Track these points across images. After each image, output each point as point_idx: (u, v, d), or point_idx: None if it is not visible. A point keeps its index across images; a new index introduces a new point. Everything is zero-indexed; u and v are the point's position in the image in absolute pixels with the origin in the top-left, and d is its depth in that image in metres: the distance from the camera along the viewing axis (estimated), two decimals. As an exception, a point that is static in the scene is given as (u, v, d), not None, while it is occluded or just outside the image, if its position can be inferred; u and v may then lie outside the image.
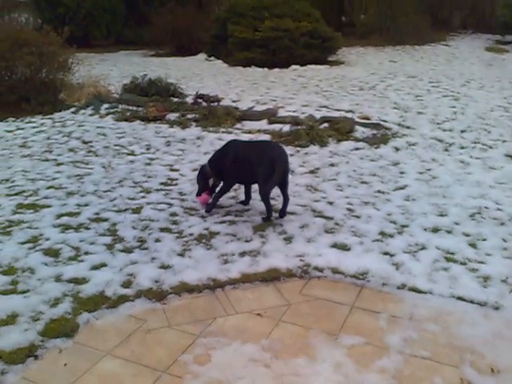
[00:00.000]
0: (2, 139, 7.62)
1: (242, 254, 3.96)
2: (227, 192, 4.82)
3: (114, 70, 14.46)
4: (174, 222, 4.55)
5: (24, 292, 3.48)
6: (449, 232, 4.33)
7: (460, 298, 3.39)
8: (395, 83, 11.43)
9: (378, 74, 12.73)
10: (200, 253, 4.00)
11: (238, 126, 7.76)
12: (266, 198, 4.52)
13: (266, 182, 4.44)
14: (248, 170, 4.55)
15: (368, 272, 3.69)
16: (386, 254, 3.95)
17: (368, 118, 7.91)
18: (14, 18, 18.60)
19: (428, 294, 3.45)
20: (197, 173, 4.90)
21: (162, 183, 5.56)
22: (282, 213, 4.60)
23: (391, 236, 4.24)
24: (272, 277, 3.68)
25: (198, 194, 4.87)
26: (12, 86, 9.35)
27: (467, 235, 4.26)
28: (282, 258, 3.90)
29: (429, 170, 5.91)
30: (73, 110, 9.24)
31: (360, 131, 7.17)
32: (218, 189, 4.82)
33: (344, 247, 4.05)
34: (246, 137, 7.10)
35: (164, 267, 3.79)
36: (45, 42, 9.47)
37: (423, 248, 4.04)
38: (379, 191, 5.25)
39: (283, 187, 4.60)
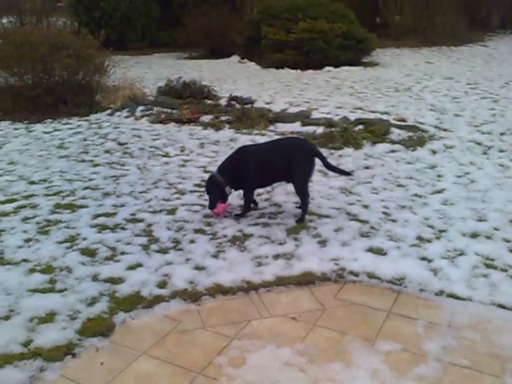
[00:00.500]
0: (39, 140, 7.80)
1: (276, 257, 3.94)
2: (253, 197, 4.81)
3: (149, 72, 14.65)
4: (208, 224, 4.57)
5: (62, 291, 3.54)
6: (488, 238, 4.21)
7: (500, 306, 3.29)
8: (431, 85, 11.23)
9: (413, 76, 12.53)
10: (234, 255, 3.99)
11: (271, 128, 7.75)
12: (307, 194, 4.57)
13: (306, 177, 4.56)
14: (277, 172, 4.60)
15: (405, 277, 3.62)
16: (423, 259, 3.87)
17: (404, 120, 7.79)
18: (53, 22, 19.09)
19: (467, 301, 3.36)
20: (207, 183, 4.71)
21: (195, 185, 5.59)
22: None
23: (429, 241, 4.15)
24: (306, 280, 3.64)
25: (213, 207, 4.63)
26: (50, 88, 9.55)
27: (507, 241, 4.14)
28: (317, 261, 3.86)
29: (467, 173, 5.78)
30: (108, 111, 9.40)
31: (396, 133, 7.06)
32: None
33: (380, 252, 3.99)
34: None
35: (198, 268, 3.80)
36: (82, 45, 9.67)
37: (462, 254, 3.94)
38: (416, 195, 5.16)
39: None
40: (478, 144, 6.85)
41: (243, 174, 4.59)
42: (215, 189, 4.64)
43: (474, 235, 4.26)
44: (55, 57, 9.37)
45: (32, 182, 5.82)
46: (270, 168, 4.59)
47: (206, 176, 5.73)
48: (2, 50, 9.84)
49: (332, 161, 6.21)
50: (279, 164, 4.55)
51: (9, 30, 13.04)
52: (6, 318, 3.23)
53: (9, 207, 5.07)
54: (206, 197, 5.13)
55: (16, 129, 8.60)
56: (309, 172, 4.56)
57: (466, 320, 3.18)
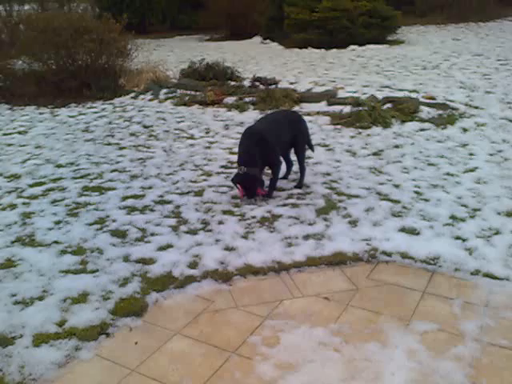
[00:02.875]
0: (65, 124, 7.84)
1: (306, 237, 3.89)
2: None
3: (171, 55, 14.60)
4: (236, 205, 4.53)
5: (93, 272, 3.55)
6: (525, 216, 4.10)
7: (540, 286, 3.20)
8: (460, 62, 10.96)
9: (441, 53, 12.24)
10: (263, 235, 3.95)
11: (297, 108, 7.65)
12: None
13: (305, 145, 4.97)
14: (285, 143, 4.77)
15: (439, 257, 3.54)
16: (457, 238, 3.77)
17: (433, 98, 7.61)
18: (74, 8, 19.09)
19: (504, 281, 3.27)
20: (249, 182, 4.47)
21: (222, 166, 5.56)
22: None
23: (463, 220, 4.05)
24: (338, 260, 3.59)
25: (255, 194, 4.56)
26: (73, 72, 9.59)
27: (545, 219, 4.02)
28: (348, 241, 3.80)
29: (500, 151, 5.62)
30: (132, 95, 9.40)
31: (425, 111, 6.90)
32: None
33: (413, 231, 3.90)
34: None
35: (228, 249, 3.77)
36: (105, 29, 9.65)
37: (497, 233, 3.84)
38: (448, 173, 5.04)
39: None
40: (511, 121, 6.65)
41: (268, 152, 4.53)
42: (259, 183, 4.54)
43: (510, 214, 4.14)
44: (78, 41, 9.38)
45: (59, 166, 5.85)
46: (281, 140, 4.68)
47: (232, 157, 5.71)
48: (26, 36, 9.90)
49: (360, 140, 6.17)
50: (287, 136, 4.73)
51: (32, 15, 13.08)
52: (40, 298, 3.26)
53: (37, 190, 5.11)
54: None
55: (41, 113, 8.67)
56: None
57: (505, 300, 3.09)
